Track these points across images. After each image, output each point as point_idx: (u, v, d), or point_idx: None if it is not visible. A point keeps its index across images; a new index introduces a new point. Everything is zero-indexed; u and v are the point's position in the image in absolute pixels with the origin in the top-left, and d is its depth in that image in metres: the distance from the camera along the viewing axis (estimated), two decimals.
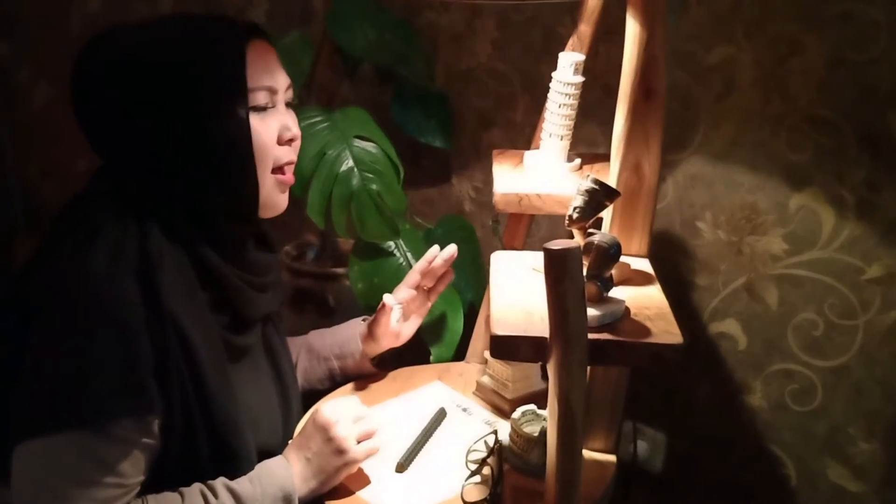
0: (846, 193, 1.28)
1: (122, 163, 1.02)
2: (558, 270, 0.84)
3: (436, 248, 1.31)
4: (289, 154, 1.06)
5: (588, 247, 0.93)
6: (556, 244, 0.84)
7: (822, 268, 1.32)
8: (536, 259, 1.07)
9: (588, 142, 1.50)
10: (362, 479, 1.11)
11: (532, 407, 1.14)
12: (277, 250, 1.18)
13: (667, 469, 1.55)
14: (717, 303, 1.44)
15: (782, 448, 1.43)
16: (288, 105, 1.07)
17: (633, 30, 0.99)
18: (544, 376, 1.28)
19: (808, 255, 1.33)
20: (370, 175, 1.44)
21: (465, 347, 1.43)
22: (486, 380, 1.31)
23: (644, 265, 1.10)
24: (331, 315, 1.63)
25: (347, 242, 1.70)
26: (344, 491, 1.09)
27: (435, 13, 1.67)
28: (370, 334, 1.29)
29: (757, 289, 1.39)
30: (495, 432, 1.16)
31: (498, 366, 1.27)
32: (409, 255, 1.50)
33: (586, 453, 1.13)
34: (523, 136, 1.60)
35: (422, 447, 1.18)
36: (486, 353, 1.32)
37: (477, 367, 1.38)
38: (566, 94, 1.17)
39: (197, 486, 0.99)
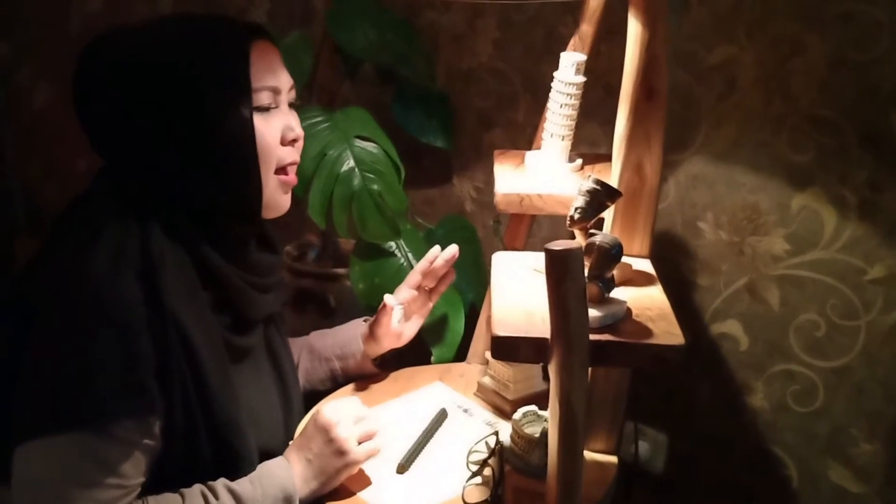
0: (848, 194, 1.28)
1: (124, 163, 1.02)
2: (560, 271, 0.84)
3: (437, 248, 1.31)
4: (292, 154, 1.06)
5: (589, 247, 0.93)
6: (558, 245, 0.83)
7: (824, 268, 1.32)
8: (538, 260, 1.07)
9: (589, 142, 1.50)
10: (363, 480, 1.11)
11: (533, 408, 1.14)
12: (280, 251, 1.18)
13: (668, 470, 1.55)
14: (718, 303, 1.44)
15: (784, 449, 1.43)
16: (290, 105, 1.07)
17: (634, 30, 0.99)
18: (545, 377, 1.27)
19: (809, 255, 1.33)
20: (371, 175, 1.44)
21: (467, 348, 1.43)
22: (487, 380, 1.31)
23: (645, 266, 1.10)
24: (332, 315, 1.63)
25: (348, 243, 1.70)
26: (345, 492, 1.09)
27: (436, 13, 1.67)
28: (371, 335, 1.29)
29: (758, 289, 1.39)
30: (496, 433, 1.16)
31: (499, 366, 1.27)
32: (410, 255, 1.50)
33: (587, 454, 1.13)
34: (524, 137, 1.60)
35: (423, 448, 1.18)
36: (488, 354, 1.31)
37: (478, 368, 1.38)
38: (568, 94, 1.17)
39: (197, 486, 0.99)
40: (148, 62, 0.97)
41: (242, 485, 1.00)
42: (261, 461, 1.05)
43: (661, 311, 0.99)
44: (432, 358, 1.43)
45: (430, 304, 1.33)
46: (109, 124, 0.99)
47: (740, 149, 1.36)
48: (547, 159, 1.23)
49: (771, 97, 1.31)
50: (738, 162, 1.36)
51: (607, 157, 1.14)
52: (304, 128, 1.09)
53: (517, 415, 1.13)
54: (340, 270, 1.65)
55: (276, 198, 1.06)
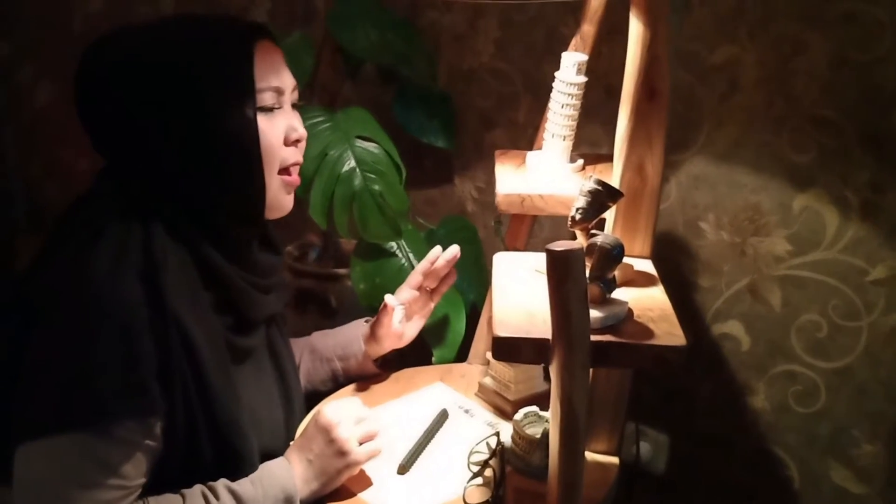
0: (850, 194, 1.27)
1: (126, 163, 1.01)
2: (561, 272, 0.84)
3: (438, 248, 1.31)
4: (295, 155, 1.06)
5: (591, 248, 0.93)
6: (559, 245, 0.83)
7: (826, 269, 1.32)
8: (539, 260, 1.07)
9: (591, 142, 1.50)
10: (364, 481, 1.10)
11: (534, 408, 1.14)
12: (282, 252, 1.18)
13: (669, 470, 1.54)
14: (720, 304, 1.43)
15: (785, 450, 1.43)
16: (293, 106, 1.07)
17: (636, 30, 0.99)
18: (547, 378, 1.27)
19: (811, 256, 1.33)
20: (372, 175, 1.44)
21: (468, 348, 1.43)
22: (488, 381, 1.31)
23: (647, 266, 1.09)
24: (333, 316, 1.63)
25: (349, 243, 1.70)
26: (345, 492, 1.09)
27: (437, 13, 1.67)
28: (372, 335, 1.29)
29: (760, 290, 1.39)
30: (497, 434, 1.16)
31: (500, 367, 1.27)
32: (411, 255, 1.50)
33: (589, 455, 1.13)
34: (526, 137, 1.60)
35: (424, 449, 1.18)
36: (489, 355, 1.31)
37: (479, 369, 1.38)
38: (569, 95, 1.17)
39: (198, 487, 0.99)
40: (151, 62, 0.97)
41: (243, 485, 1.00)
42: (262, 462, 1.05)
43: (662, 311, 0.99)
44: (433, 358, 1.43)
45: (432, 305, 1.33)
46: (112, 124, 0.99)
47: (742, 149, 1.36)
48: (548, 159, 1.23)
49: (773, 97, 1.31)
50: (740, 162, 1.36)
51: (609, 158, 1.13)
52: (305, 128, 1.09)
53: (518, 415, 1.13)
54: (341, 271, 1.65)
55: (280, 198, 1.06)
